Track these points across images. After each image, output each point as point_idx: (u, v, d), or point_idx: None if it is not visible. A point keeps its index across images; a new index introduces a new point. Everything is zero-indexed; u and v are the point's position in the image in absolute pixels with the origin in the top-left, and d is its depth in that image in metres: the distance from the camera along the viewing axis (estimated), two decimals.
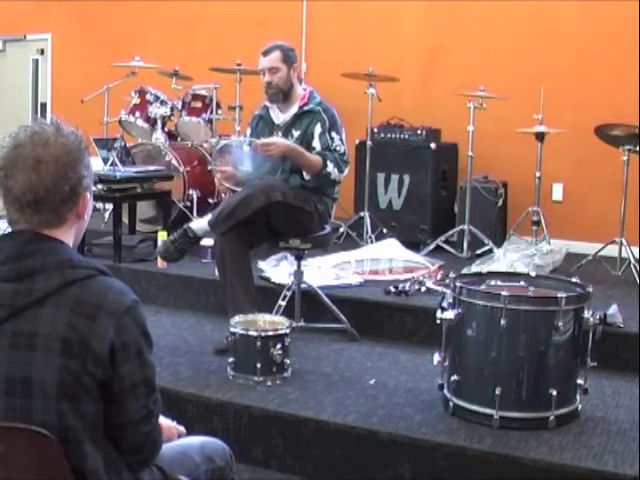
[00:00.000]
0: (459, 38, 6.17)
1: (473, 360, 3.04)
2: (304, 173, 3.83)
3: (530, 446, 2.80)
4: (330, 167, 3.80)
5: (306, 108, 3.93)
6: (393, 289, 4.27)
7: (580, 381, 3.04)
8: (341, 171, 3.86)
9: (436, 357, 3.11)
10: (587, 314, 2.99)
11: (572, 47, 5.81)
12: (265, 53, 3.97)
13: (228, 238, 3.73)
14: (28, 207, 1.62)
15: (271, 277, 4.51)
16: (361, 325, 4.08)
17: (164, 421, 1.89)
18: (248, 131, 4.13)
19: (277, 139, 3.81)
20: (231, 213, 3.70)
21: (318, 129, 3.88)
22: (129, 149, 5.56)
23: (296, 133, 3.93)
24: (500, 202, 5.57)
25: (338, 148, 3.87)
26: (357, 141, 5.75)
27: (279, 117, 4.02)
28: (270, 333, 3.42)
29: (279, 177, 3.86)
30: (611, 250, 4.96)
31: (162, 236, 4.79)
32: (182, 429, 2.03)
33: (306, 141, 3.88)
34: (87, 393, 1.56)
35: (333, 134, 3.88)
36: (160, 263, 4.84)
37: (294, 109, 3.96)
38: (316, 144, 3.86)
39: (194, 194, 5.78)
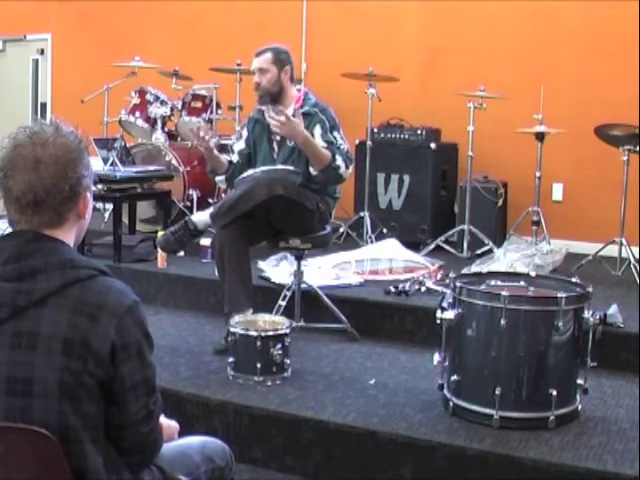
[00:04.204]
0: (459, 38, 6.17)
1: (473, 360, 3.04)
2: (311, 169, 3.81)
3: (530, 446, 2.80)
4: (339, 161, 3.78)
5: (302, 111, 3.92)
6: (393, 289, 4.27)
7: (580, 381, 3.04)
8: (347, 167, 3.84)
9: (436, 357, 3.11)
10: (587, 314, 2.99)
11: (572, 47, 5.81)
12: (257, 54, 3.98)
13: (228, 231, 3.73)
14: (28, 207, 1.62)
15: (271, 277, 4.51)
16: (361, 325, 4.08)
17: (164, 421, 1.89)
18: (245, 133, 4.12)
19: (297, 121, 3.70)
20: (233, 205, 3.70)
21: (318, 130, 3.86)
22: (129, 149, 5.57)
23: None
24: (500, 202, 5.57)
25: (342, 147, 3.86)
26: (357, 141, 5.75)
27: None
28: (270, 333, 3.42)
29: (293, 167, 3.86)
30: (611, 250, 4.97)
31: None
32: (175, 424, 2.03)
33: None
34: (88, 393, 1.57)
35: (335, 134, 3.87)
36: (160, 263, 4.84)
37: (289, 112, 3.94)
38: (319, 143, 3.81)
39: (194, 194, 5.78)
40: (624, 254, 4.89)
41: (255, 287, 3.93)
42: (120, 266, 4.86)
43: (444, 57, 6.24)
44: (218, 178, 4.13)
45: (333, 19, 6.62)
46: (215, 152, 4.02)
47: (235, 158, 4.08)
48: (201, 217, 3.88)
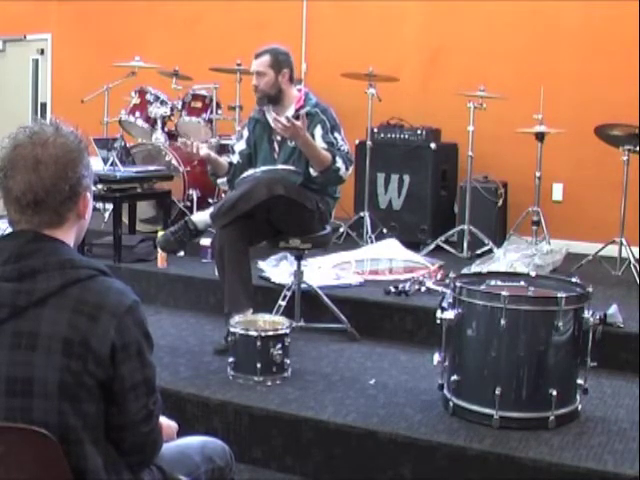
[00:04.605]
0: (459, 38, 6.16)
1: (473, 360, 3.04)
2: (311, 170, 3.81)
3: (530, 446, 2.80)
4: (339, 162, 3.78)
5: (303, 111, 3.92)
6: (393, 289, 4.27)
7: (580, 381, 3.04)
8: (347, 169, 3.84)
9: (436, 357, 3.11)
10: (587, 314, 2.99)
11: (572, 47, 5.81)
12: (256, 56, 3.97)
13: (228, 231, 3.73)
14: (28, 208, 1.62)
15: (271, 277, 4.51)
16: (361, 325, 4.08)
17: (163, 420, 1.89)
18: (245, 133, 4.12)
19: (299, 124, 3.68)
20: (233, 206, 3.70)
21: (319, 130, 3.85)
22: (129, 149, 5.57)
23: None
24: (500, 202, 5.57)
25: (342, 147, 3.85)
26: (357, 141, 5.75)
27: None
28: (270, 333, 3.42)
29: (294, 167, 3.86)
30: (611, 250, 4.97)
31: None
32: (174, 424, 2.03)
33: None
34: (88, 393, 1.57)
35: (335, 134, 3.87)
36: (160, 263, 4.84)
37: (290, 112, 3.94)
38: (320, 144, 3.81)
39: (194, 194, 5.78)
40: (624, 254, 4.89)
41: (255, 287, 3.93)
42: (120, 266, 4.86)
43: (444, 57, 6.24)
44: (220, 181, 4.13)
45: (333, 19, 6.62)
46: (213, 156, 4.02)
47: (236, 159, 4.08)
48: (201, 217, 3.88)
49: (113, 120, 6.33)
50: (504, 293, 2.91)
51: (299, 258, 4.00)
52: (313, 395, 3.28)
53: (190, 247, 4.44)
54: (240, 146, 4.10)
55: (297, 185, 3.82)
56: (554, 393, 2.90)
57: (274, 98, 3.95)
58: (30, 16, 7.91)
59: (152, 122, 6.14)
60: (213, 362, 3.67)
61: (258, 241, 3.95)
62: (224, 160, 4.09)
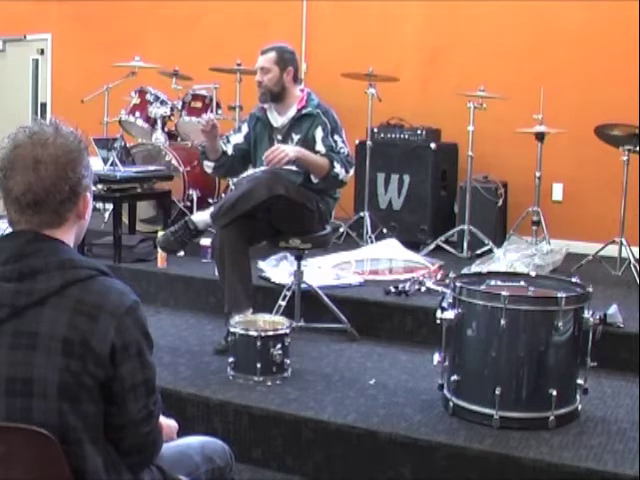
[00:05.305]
0: (459, 38, 6.16)
1: (473, 360, 3.04)
2: (312, 176, 3.82)
3: (530, 446, 2.80)
4: (338, 168, 3.79)
5: (305, 111, 3.92)
6: (393, 289, 4.27)
7: (580, 381, 3.04)
8: (347, 172, 3.85)
9: (436, 357, 3.11)
10: (587, 314, 2.99)
11: (572, 47, 5.81)
12: (262, 52, 3.99)
13: (229, 231, 3.73)
14: (28, 208, 1.62)
15: (271, 277, 4.51)
16: (361, 325, 4.08)
17: (163, 420, 1.89)
18: (245, 128, 4.11)
19: (282, 146, 3.76)
20: (233, 205, 3.70)
21: (320, 133, 3.86)
22: (129, 149, 5.57)
23: (296, 137, 3.91)
24: (500, 202, 5.57)
25: (342, 150, 3.86)
26: (357, 141, 5.75)
27: (277, 120, 4.01)
28: (270, 333, 3.42)
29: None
30: (611, 250, 4.97)
31: None
32: (174, 423, 2.03)
33: (307, 145, 3.85)
34: (88, 393, 1.57)
35: (336, 137, 3.87)
36: (160, 263, 4.84)
37: (292, 112, 3.95)
38: (320, 147, 3.84)
39: (194, 194, 5.78)
40: (624, 254, 4.89)
41: (255, 287, 3.94)
42: (120, 266, 4.86)
43: (444, 57, 6.24)
44: (207, 162, 4.09)
45: (333, 19, 6.62)
46: (217, 140, 3.99)
47: (230, 151, 4.05)
48: (201, 217, 3.88)
49: (113, 120, 6.33)
50: (504, 293, 2.91)
51: (299, 258, 4.00)
52: (313, 395, 3.28)
53: (190, 247, 4.42)
54: (237, 139, 4.07)
55: (297, 185, 3.82)
56: (554, 393, 2.90)
57: (277, 95, 3.95)
58: (30, 16, 7.91)
59: (152, 122, 6.14)
60: (213, 362, 3.67)
61: (258, 241, 3.95)
62: (221, 147, 4.05)
